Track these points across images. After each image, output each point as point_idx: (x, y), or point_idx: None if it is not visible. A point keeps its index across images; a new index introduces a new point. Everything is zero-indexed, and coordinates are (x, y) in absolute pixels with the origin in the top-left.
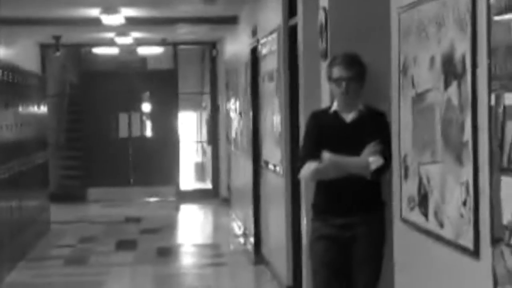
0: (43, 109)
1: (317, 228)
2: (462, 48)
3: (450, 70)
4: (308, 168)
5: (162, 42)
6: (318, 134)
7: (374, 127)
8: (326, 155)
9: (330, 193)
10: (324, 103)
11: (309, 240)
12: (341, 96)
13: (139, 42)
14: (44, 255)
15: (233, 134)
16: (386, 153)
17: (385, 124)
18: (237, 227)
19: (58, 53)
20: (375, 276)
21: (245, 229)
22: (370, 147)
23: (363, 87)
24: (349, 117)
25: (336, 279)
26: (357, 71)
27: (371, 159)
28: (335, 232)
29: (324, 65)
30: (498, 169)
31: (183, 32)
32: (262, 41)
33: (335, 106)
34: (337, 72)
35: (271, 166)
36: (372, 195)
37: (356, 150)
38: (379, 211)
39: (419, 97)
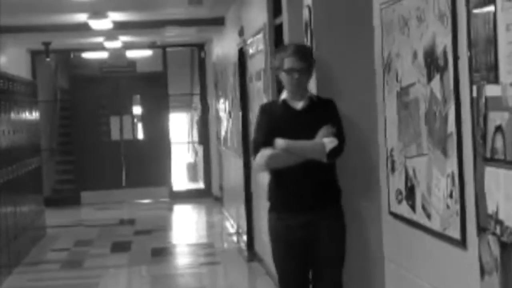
0: (35, 115)
1: (274, 226)
2: (444, 41)
3: (433, 64)
4: (262, 156)
5: (151, 45)
6: (269, 124)
7: (325, 112)
8: (279, 141)
9: (285, 185)
10: None
11: (270, 240)
12: (292, 87)
13: (128, 46)
14: (40, 260)
15: (223, 134)
16: (339, 135)
17: (335, 109)
18: (230, 226)
19: (48, 59)
20: (341, 266)
21: (238, 227)
22: (324, 130)
23: (311, 77)
24: (299, 104)
25: (296, 273)
26: (308, 63)
27: (326, 140)
28: (294, 236)
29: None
30: (481, 159)
31: (171, 35)
32: (249, 41)
33: (284, 95)
34: (289, 63)
35: None
36: (329, 184)
37: (308, 136)
38: (336, 202)
39: (403, 91)
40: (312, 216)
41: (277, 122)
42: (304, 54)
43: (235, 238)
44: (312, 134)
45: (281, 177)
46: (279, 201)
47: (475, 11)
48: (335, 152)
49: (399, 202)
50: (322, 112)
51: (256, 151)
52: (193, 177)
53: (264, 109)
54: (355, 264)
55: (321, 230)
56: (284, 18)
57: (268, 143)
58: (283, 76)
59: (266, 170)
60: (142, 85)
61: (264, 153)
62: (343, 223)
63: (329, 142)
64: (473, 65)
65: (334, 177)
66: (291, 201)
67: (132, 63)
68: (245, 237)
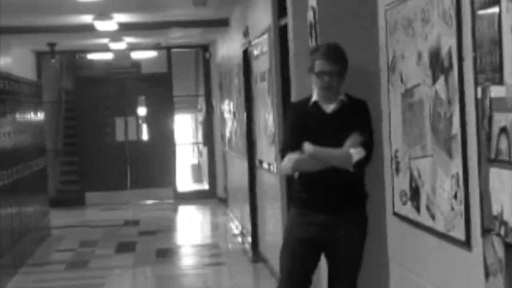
0: (40, 115)
1: (293, 222)
2: (448, 43)
3: (437, 65)
4: (289, 160)
5: (156, 46)
6: (298, 126)
7: (355, 116)
8: (307, 146)
9: (312, 186)
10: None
11: (284, 236)
12: (322, 90)
13: (133, 47)
14: (45, 260)
15: (227, 135)
16: (367, 144)
17: (366, 112)
18: (235, 227)
19: (53, 60)
20: (357, 269)
21: (242, 228)
22: (352, 139)
23: (344, 80)
24: (330, 108)
25: (301, 275)
26: (340, 66)
27: (353, 151)
28: (312, 234)
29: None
30: (486, 160)
31: (176, 36)
32: (253, 42)
33: (315, 97)
34: (319, 65)
35: (265, 165)
36: (354, 187)
37: (337, 141)
38: (360, 206)
39: (408, 93)
40: (334, 217)
41: (306, 124)
42: (335, 56)
43: (239, 239)
44: (340, 139)
45: (306, 178)
46: (302, 200)
47: (480, 12)
48: (362, 163)
49: (404, 203)
50: (351, 115)
51: (284, 154)
52: (197, 178)
53: (294, 109)
54: None
55: (341, 232)
56: (289, 19)
57: (296, 146)
58: (314, 79)
59: (292, 173)
60: (147, 86)
61: (291, 157)
62: (365, 227)
63: (356, 153)
64: (477, 66)
65: (360, 181)
66: (314, 202)
67: (137, 64)
68: (249, 238)
